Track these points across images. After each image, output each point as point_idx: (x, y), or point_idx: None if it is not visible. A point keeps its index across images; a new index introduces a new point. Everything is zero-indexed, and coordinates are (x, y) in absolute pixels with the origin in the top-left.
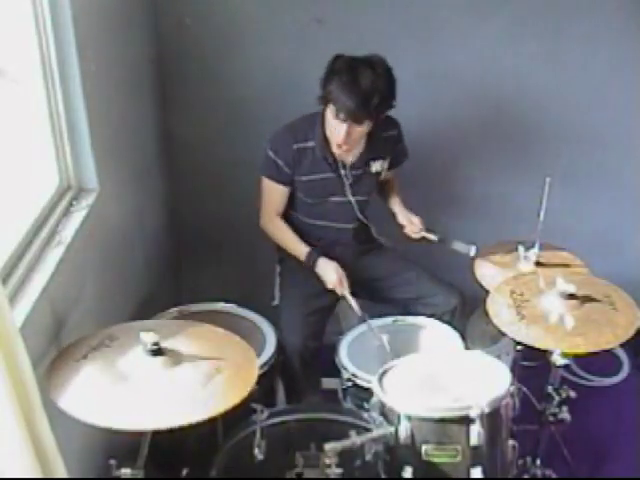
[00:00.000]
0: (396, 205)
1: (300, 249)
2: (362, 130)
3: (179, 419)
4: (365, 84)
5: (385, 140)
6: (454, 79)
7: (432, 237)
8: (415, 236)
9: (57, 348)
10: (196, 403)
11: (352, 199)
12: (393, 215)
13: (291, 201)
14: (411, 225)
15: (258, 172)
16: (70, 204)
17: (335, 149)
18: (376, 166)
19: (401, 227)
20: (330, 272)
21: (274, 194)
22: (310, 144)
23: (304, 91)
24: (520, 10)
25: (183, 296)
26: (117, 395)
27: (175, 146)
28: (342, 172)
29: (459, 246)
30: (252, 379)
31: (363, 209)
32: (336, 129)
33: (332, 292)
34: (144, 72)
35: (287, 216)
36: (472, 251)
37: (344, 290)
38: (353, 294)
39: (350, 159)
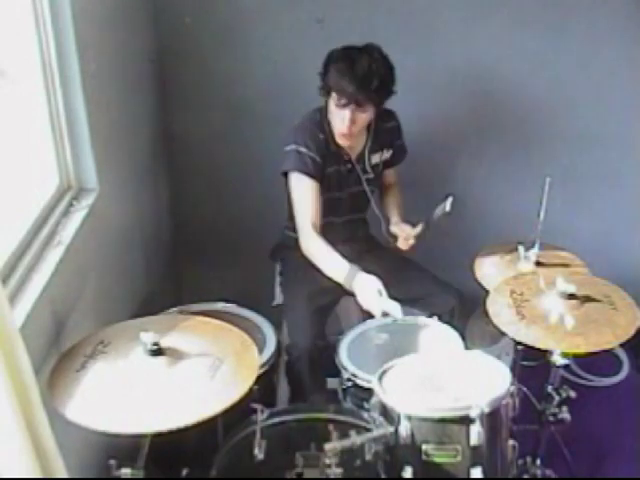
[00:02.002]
0: (394, 216)
1: (340, 270)
2: (365, 116)
3: (196, 415)
4: (363, 67)
5: (386, 132)
6: (454, 79)
7: (419, 229)
8: (406, 246)
9: (57, 348)
10: (209, 396)
11: (367, 188)
12: (387, 224)
13: None
14: (403, 233)
15: (286, 170)
16: (70, 204)
17: (339, 139)
18: (375, 158)
19: (394, 239)
20: (369, 290)
21: (309, 193)
22: (323, 136)
23: (304, 91)
24: (520, 10)
25: (183, 296)
26: (124, 400)
27: (175, 146)
28: (357, 165)
29: (438, 211)
30: (255, 364)
31: (370, 202)
32: (340, 117)
33: (334, 289)
34: (144, 72)
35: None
36: (448, 205)
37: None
38: (353, 294)
39: (355, 152)
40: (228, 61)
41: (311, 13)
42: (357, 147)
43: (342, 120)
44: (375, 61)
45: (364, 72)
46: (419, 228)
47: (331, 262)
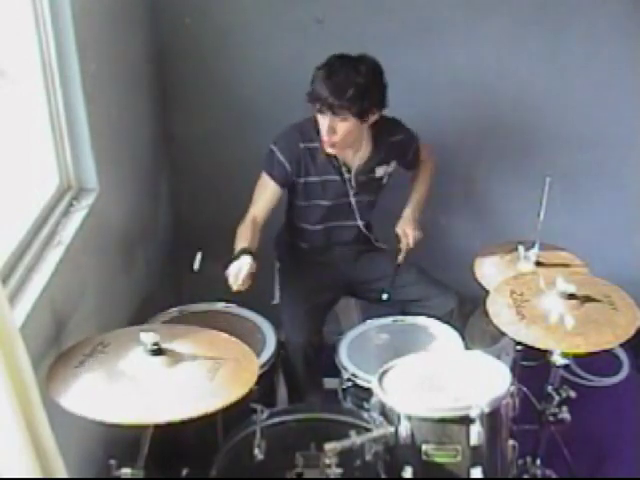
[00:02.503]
0: (407, 208)
1: (238, 245)
2: (347, 126)
3: (195, 411)
4: (339, 76)
5: (392, 145)
6: (454, 79)
7: (400, 258)
8: (401, 247)
9: (57, 348)
10: (207, 395)
11: (353, 201)
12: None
13: (292, 209)
14: (404, 237)
15: (260, 167)
16: (70, 204)
17: (327, 148)
18: (380, 171)
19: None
20: (235, 266)
21: (265, 191)
22: (316, 144)
23: (304, 91)
24: (520, 10)
25: (183, 296)
26: (123, 393)
27: (175, 146)
28: (346, 176)
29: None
30: (254, 369)
31: (364, 212)
32: (320, 124)
33: (332, 288)
34: (144, 72)
35: (291, 224)
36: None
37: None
38: (352, 295)
39: (356, 164)
40: (228, 61)
41: (311, 13)
42: (360, 160)
43: (322, 127)
44: (357, 73)
45: (339, 80)
46: (400, 258)
47: (239, 239)
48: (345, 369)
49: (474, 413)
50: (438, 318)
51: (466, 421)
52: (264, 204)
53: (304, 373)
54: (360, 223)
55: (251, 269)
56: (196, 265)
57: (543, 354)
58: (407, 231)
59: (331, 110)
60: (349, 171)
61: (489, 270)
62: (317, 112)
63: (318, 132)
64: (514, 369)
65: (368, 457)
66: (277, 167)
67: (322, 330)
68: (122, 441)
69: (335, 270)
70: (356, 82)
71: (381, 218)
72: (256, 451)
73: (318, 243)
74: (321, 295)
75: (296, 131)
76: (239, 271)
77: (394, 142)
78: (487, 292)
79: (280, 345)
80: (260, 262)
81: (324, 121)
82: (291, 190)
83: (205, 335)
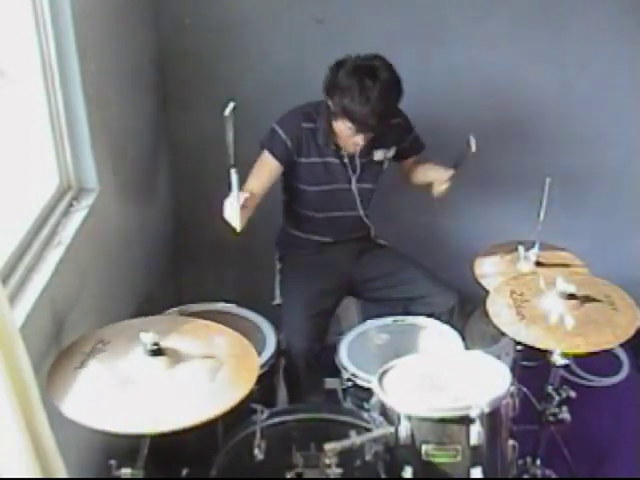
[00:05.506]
0: (426, 164)
1: None
2: (372, 133)
3: (198, 417)
4: (374, 96)
5: (390, 128)
6: (454, 79)
7: (451, 173)
8: (441, 189)
9: (57, 348)
10: (209, 398)
11: (354, 187)
12: (427, 184)
13: (294, 195)
14: (438, 175)
15: (260, 144)
16: (70, 204)
17: (353, 150)
18: (379, 154)
19: (429, 186)
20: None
21: (263, 168)
22: (317, 125)
23: (304, 91)
24: (520, 10)
25: (183, 296)
26: (124, 400)
27: (175, 146)
28: (346, 160)
29: (464, 153)
30: (255, 367)
31: (365, 199)
32: (353, 138)
33: (335, 292)
34: (144, 72)
35: (292, 212)
36: (473, 146)
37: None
38: (353, 295)
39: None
40: (228, 61)
41: (311, 13)
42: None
43: (356, 142)
44: (384, 87)
45: (375, 102)
46: (451, 172)
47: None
48: (345, 369)
49: (474, 413)
50: (440, 315)
51: (466, 421)
52: (261, 180)
53: (305, 379)
54: (362, 212)
55: (247, 201)
56: (227, 111)
57: (543, 354)
58: (437, 168)
59: (364, 129)
60: (348, 156)
61: (489, 270)
62: (351, 130)
63: (319, 114)
64: (514, 369)
65: (368, 457)
66: (278, 144)
67: (324, 337)
68: (122, 441)
69: (337, 271)
70: (389, 99)
71: (380, 215)
72: (256, 451)
73: (321, 233)
74: (323, 301)
75: (299, 112)
76: (234, 200)
77: (393, 124)
78: (487, 292)
79: (281, 351)
80: (260, 262)
81: (359, 138)
82: (293, 172)
83: (205, 330)
